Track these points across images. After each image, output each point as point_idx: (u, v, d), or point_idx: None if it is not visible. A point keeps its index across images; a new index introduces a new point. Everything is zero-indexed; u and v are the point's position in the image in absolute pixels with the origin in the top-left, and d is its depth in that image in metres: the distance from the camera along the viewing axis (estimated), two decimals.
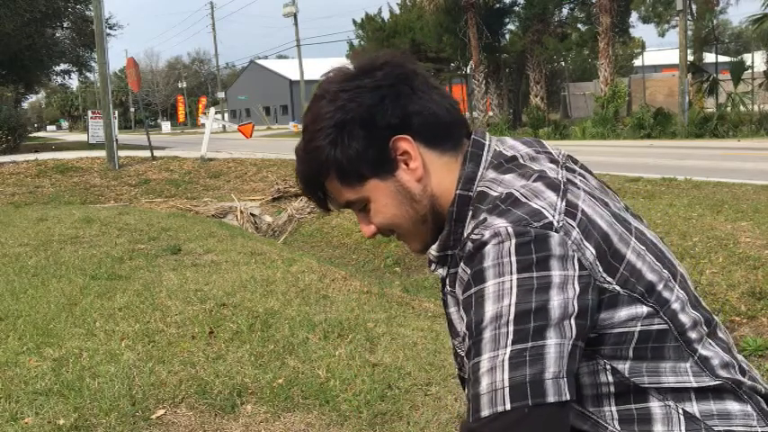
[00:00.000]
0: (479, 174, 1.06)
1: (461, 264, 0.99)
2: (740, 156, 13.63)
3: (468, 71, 32.03)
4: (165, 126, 58.83)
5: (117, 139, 16.53)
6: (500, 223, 0.94)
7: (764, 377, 3.45)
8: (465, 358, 0.97)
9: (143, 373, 3.52)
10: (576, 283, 0.93)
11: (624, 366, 0.99)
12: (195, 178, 14.11)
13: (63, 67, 36.43)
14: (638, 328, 0.98)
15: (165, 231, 7.96)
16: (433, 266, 1.13)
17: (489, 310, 0.93)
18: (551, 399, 0.89)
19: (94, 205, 11.18)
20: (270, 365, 3.56)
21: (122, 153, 16.97)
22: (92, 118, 21.82)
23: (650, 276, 1.00)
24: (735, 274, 4.75)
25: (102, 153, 16.48)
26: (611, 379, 0.99)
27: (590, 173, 1.15)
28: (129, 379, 3.44)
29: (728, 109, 21.48)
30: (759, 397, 1.05)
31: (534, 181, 1.01)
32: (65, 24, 31.85)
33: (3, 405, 3.19)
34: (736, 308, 4.18)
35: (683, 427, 0.99)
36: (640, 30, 47.57)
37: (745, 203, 7.31)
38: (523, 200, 0.97)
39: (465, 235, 1.01)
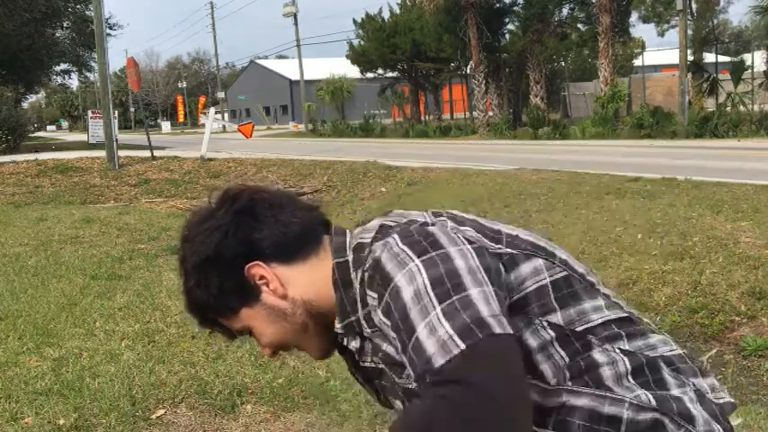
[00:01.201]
0: (348, 240, 1.12)
1: (368, 293, 1.04)
2: (740, 156, 13.62)
3: (468, 71, 32.02)
4: (165, 126, 58.81)
5: (117, 139, 16.53)
6: (383, 240, 1.03)
7: (765, 377, 3.41)
8: (404, 360, 0.96)
9: (143, 372, 3.53)
10: (470, 250, 0.99)
11: (557, 317, 1.04)
12: (195, 178, 14.11)
13: (63, 67, 36.46)
14: (548, 279, 1.06)
15: (164, 231, 7.96)
16: (345, 341, 1.15)
17: (406, 294, 0.95)
18: (498, 330, 0.90)
19: (94, 205, 11.18)
20: (270, 365, 3.56)
21: (122, 153, 16.97)
22: (91, 118, 21.83)
23: (529, 238, 1.11)
24: (735, 273, 4.75)
25: (102, 153, 16.48)
26: (552, 334, 1.04)
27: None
28: (129, 379, 3.44)
29: (728, 109, 21.48)
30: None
31: (395, 212, 1.14)
32: (65, 24, 31.85)
33: (3, 405, 3.19)
34: (735, 308, 4.18)
35: (626, 362, 1.05)
36: (640, 30, 47.56)
37: (745, 203, 7.31)
38: (394, 224, 1.08)
39: (359, 283, 1.07)
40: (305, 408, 3.13)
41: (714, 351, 3.73)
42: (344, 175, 12.88)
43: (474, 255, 0.98)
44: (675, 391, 1.06)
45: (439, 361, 0.88)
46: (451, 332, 0.89)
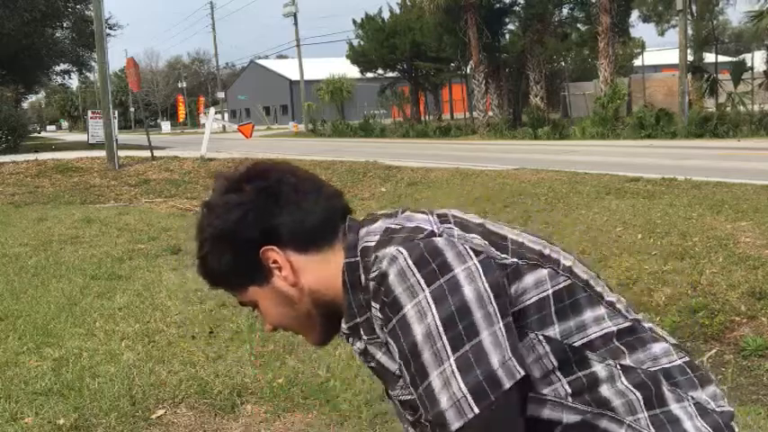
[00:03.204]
0: (358, 239, 1.12)
1: (372, 303, 1.04)
2: (740, 156, 13.62)
3: (468, 71, 32.02)
4: (165, 126, 58.81)
5: (117, 139, 16.53)
6: (390, 250, 1.01)
7: (765, 377, 3.41)
8: (412, 391, 1.01)
9: (143, 372, 3.53)
10: (478, 267, 1.00)
11: (554, 331, 1.04)
12: (195, 178, 14.10)
13: (63, 67, 36.48)
14: (550, 290, 1.05)
15: (164, 231, 7.96)
16: (350, 340, 1.17)
17: (418, 331, 0.98)
18: (507, 384, 0.96)
19: (94, 205, 11.18)
20: (270, 365, 3.56)
21: (122, 153, 16.96)
22: (91, 118, 21.84)
23: (535, 246, 1.10)
24: (735, 273, 4.75)
25: (102, 153, 16.47)
26: (547, 348, 1.04)
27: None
28: (128, 379, 3.44)
29: (728, 109, 21.47)
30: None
31: (402, 213, 1.13)
32: (65, 24, 31.86)
33: (3, 405, 3.19)
34: (735, 308, 4.18)
35: (623, 379, 1.05)
36: (640, 29, 47.61)
37: (745, 203, 7.31)
38: (400, 227, 1.07)
39: (364, 282, 1.07)
40: (305, 408, 3.13)
41: (714, 351, 3.73)
42: (344, 176, 12.88)
43: (481, 272, 0.99)
44: (675, 408, 1.06)
45: (455, 425, 0.96)
46: (465, 391, 0.95)
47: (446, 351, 0.96)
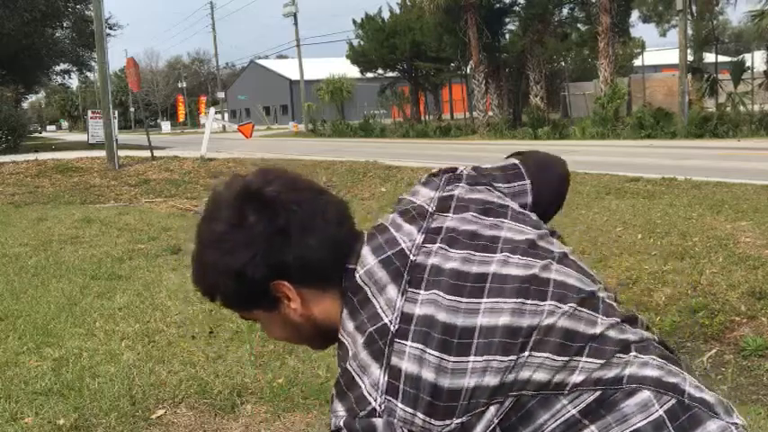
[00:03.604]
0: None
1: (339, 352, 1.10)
2: (740, 156, 13.62)
3: (468, 71, 32.02)
4: (165, 126, 58.81)
5: (117, 139, 16.53)
6: (339, 412, 1.03)
7: (765, 377, 3.41)
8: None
9: (143, 373, 3.53)
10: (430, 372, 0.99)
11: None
12: (195, 178, 14.11)
13: (63, 66, 36.49)
14: (496, 422, 1.00)
15: (165, 231, 7.96)
16: None
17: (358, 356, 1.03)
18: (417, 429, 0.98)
19: (94, 205, 11.18)
20: (270, 365, 3.56)
21: (122, 153, 16.96)
22: (91, 118, 21.84)
23: (494, 381, 1.00)
24: (735, 273, 4.75)
25: (102, 153, 16.48)
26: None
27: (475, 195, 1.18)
28: (128, 379, 3.45)
29: (728, 109, 21.48)
30: (655, 359, 1.03)
31: (363, 338, 1.06)
32: (65, 24, 31.86)
33: (3, 405, 3.20)
34: (736, 308, 4.18)
35: None
36: (641, 29, 47.63)
37: (745, 203, 7.31)
38: (353, 382, 1.04)
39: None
40: (305, 408, 3.13)
41: (714, 351, 3.74)
42: (344, 176, 12.89)
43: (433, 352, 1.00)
44: None
45: None
46: None
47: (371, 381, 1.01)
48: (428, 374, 1.01)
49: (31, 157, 17.19)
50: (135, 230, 8.10)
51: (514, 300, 1.03)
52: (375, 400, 1.01)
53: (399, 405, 1.01)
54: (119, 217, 9.29)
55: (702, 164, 12.19)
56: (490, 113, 28.98)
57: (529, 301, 1.02)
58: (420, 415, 1.00)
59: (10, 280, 5.70)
